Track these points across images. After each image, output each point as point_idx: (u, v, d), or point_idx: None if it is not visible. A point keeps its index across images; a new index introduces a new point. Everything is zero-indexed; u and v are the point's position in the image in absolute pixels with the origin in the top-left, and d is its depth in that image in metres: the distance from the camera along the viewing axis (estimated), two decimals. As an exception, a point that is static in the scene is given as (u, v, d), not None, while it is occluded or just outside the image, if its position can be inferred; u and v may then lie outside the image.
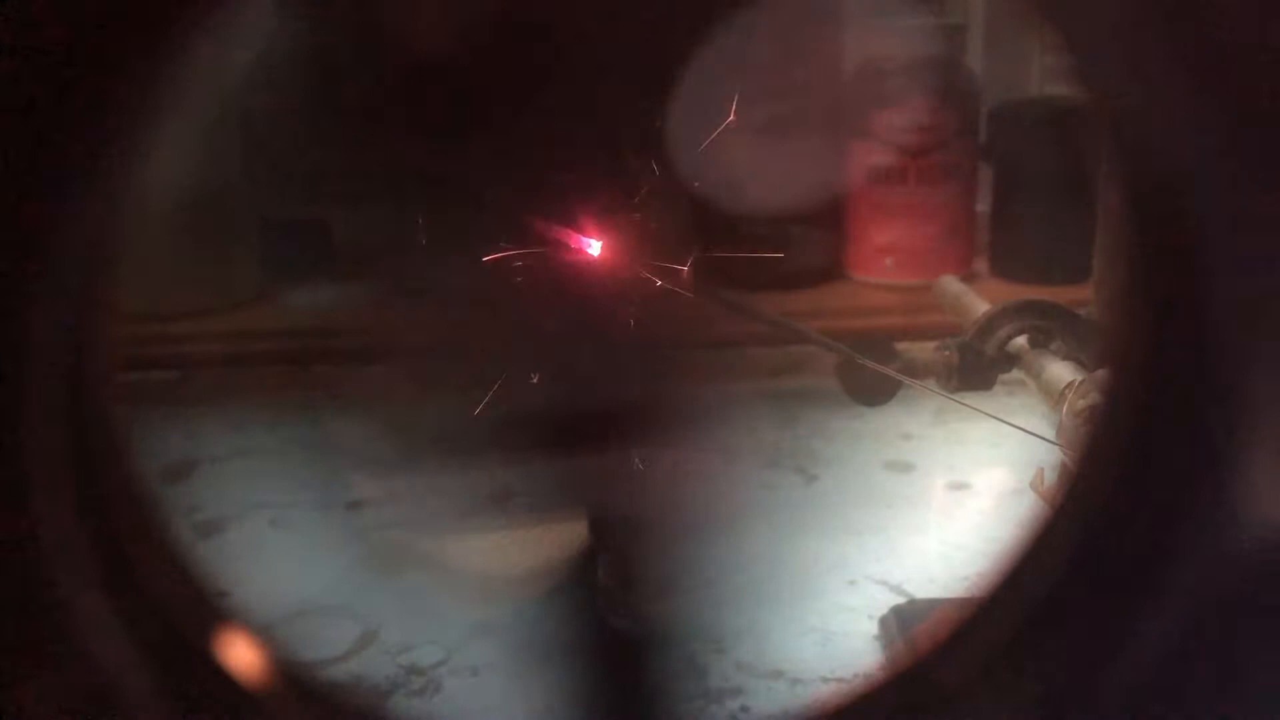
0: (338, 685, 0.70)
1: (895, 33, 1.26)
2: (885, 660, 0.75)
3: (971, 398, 0.74)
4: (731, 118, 0.52)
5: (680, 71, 0.51)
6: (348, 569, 0.85)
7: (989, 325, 0.75)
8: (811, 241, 1.31)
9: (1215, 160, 0.35)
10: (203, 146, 1.18)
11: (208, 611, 0.42)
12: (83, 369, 0.38)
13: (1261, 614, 0.39)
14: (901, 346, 0.75)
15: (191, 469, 1.04)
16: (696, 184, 0.53)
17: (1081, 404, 0.63)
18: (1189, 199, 0.36)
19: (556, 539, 0.58)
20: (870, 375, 0.73)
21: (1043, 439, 0.66)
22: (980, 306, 0.79)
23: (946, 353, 0.75)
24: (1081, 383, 0.66)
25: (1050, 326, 0.74)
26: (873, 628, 0.78)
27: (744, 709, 0.70)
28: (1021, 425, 0.68)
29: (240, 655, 0.42)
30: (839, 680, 0.73)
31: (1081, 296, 0.82)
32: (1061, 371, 0.70)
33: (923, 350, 0.77)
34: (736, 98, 0.52)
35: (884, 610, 0.77)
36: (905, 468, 1.04)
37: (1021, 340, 0.75)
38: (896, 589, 0.83)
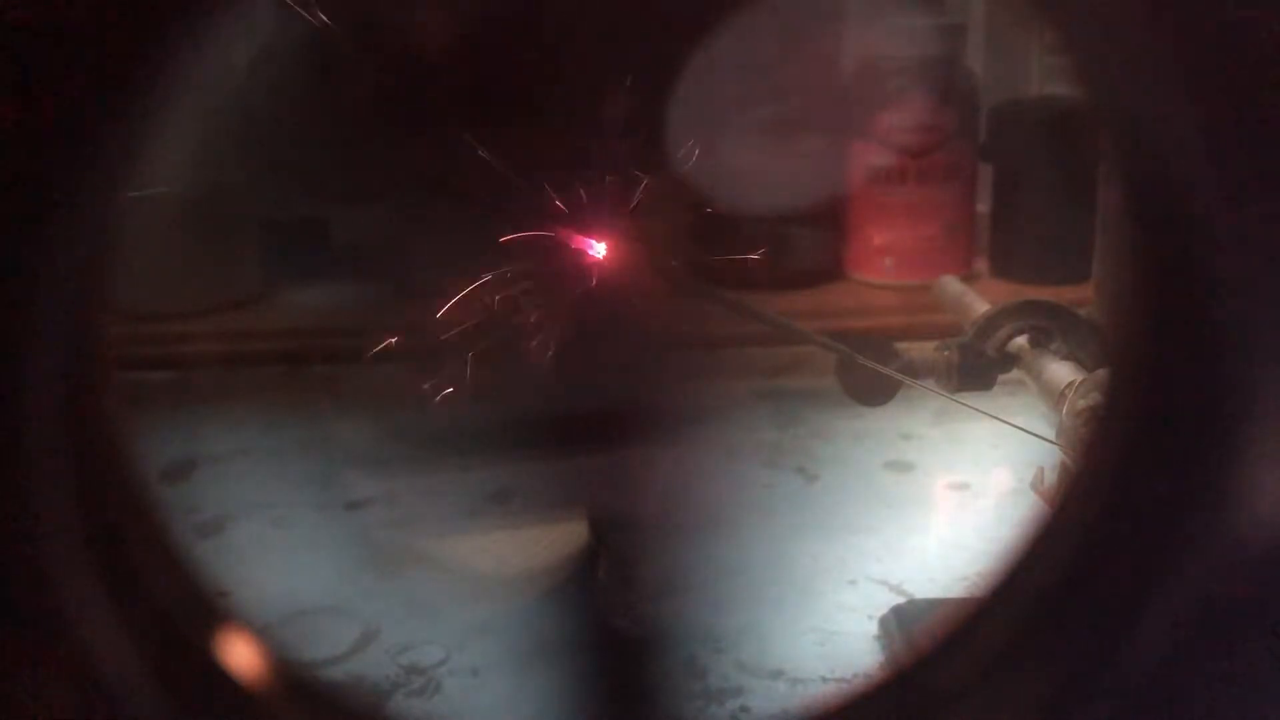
0: (338, 685, 0.70)
1: (895, 33, 1.26)
2: (885, 660, 0.75)
3: (971, 398, 0.74)
4: (731, 119, 0.52)
5: (681, 72, 0.51)
6: (348, 569, 0.85)
7: (989, 325, 0.75)
8: (811, 241, 1.31)
9: (1215, 159, 0.35)
10: (203, 146, 1.18)
11: (208, 611, 0.42)
12: (83, 369, 0.38)
13: (1262, 613, 0.39)
14: (901, 346, 0.75)
15: (191, 469, 1.04)
16: (696, 184, 0.53)
17: (1081, 404, 0.63)
18: (1189, 199, 0.36)
19: (556, 539, 0.58)
20: (870, 375, 0.73)
21: (1043, 439, 0.66)
22: (980, 306, 0.79)
23: (946, 353, 0.75)
24: (1081, 383, 0.66)
25: (1050, 326, 0.74)
26: (873, 628, 0.78)
27: (744, 709, 0.70)
28: (1021, 425, 0.68)
29: (240, 655, 0.42)
30: (839, 680, 0.73)
31: (1081, 296, 0.82)
32: (1061, 371, 0.70)
33: (923, 350, 0.76)
34: (736, 99, 0.52)
35: (884, 610, 0.77)
36: (905, 468, 1.03)
37: (1021, 340, 0.75)
38: (896, 589, 0.83)
